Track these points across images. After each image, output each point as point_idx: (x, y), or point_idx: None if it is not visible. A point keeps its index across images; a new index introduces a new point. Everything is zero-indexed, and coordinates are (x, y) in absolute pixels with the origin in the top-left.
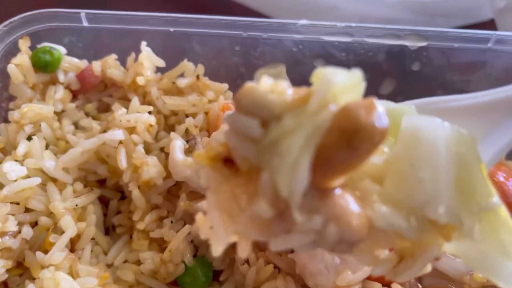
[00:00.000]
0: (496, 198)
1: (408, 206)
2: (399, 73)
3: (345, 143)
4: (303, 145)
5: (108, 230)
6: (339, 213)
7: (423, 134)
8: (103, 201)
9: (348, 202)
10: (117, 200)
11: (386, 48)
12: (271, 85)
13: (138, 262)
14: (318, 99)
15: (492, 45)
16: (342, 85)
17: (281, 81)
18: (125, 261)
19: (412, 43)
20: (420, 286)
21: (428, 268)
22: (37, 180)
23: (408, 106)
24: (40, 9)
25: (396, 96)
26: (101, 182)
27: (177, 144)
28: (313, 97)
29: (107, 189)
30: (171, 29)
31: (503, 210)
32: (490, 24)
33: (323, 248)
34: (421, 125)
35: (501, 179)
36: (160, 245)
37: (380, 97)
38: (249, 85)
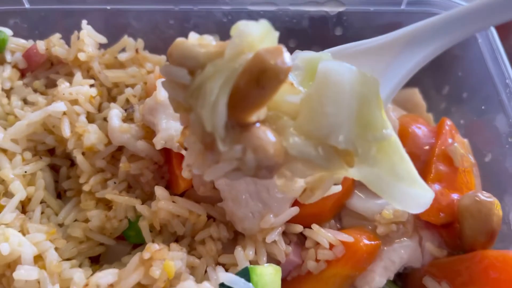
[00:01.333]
0: (389, 130)
1: (316, 137)
2: (324, 38)
3: (255, 82)
4: (221, 86)
5: (60, 194)
6: (256, 142)
7: (333, 76)
8: (55, 169)
9: (265, 133)
10: (66, 167)
11: (308, 14)
12: (198, 39)
13: (87, 221)
14: (232, 47)
15: (405, 7)
16: (256, 35)
17: (206, 36)
18: (75, 220)
19: (331, 9)
20: (339, 226)
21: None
22: None
23: (325, 54)
24: None
25: None
26: (51, 152)
27: (114, 113)
28: (229, 46)
29: (57, 158)
30: (108, 7)
31: (396, 140)
32: None
33: (247, 174)
34: (332, 69)
35: (416, 130)
36: (107, 204)
37: None
38: (179, 39)
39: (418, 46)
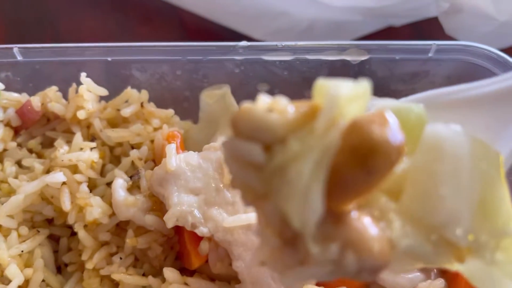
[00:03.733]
0: None
1: (427, 225)
2: None
3: (359, 164)
4: (314, 169)
5: (60, 268)
6: (357, 238)
7: (447, 147)
8: (54, 239)
9: (365, 226)
10: (67, 237)
11: (328, 63)
12: (269, 104)
13: None
14: (325, 117)
15: (433, 55)
16: (348, 98)
17: (280, 98)
18: None
19: (353, 58)
20: None
21: None
22: None
23: (414, 104)
24: None
25: None
26: (50, 220)
27: (118, 184)
28: (321, 116)
29: (56, 227)
30: (109, 59)
31: None
32: (435, 22)
33: (344, 276)
34: (446, 136)
35: None
36: (112, 281)
37: None
38: (245, 105)
39: None
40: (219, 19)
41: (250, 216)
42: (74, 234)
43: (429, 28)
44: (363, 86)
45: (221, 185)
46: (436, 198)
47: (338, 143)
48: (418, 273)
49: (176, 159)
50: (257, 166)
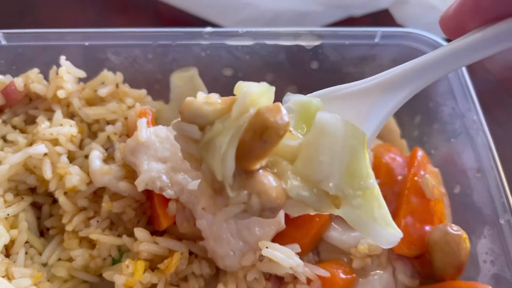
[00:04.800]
0: (372, 181)
1: (311, 181)
2: (301, 71)
3: (258, 136)
4: (229, 141)
5: (43, 232)
6: (260, 187)
7: (329, 128)
8: (37, 206)
9: (267, 178)
10: (48, 205)
11: (285, 48)
12: (205, 98)
13: (70, 260)
14: (238, 107)
15: (379, 40)
16: (257, 93)
17: (212, 95)
18: (59, 260)
19: (307, 43)
20: (317, 258)
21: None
22: None
23: (314, 98)
24: None
25: (302, 92)
26: (33, 189)
27: (94, 154)
28: (235, 106)
29: (38, 195)
30: (86, 43)
31: (377, 188)
32: (386, 13)
33: (253, 215)
34: (329, 121)
35: (389, 162)
36: (90, 242)
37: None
38: (188, 99)
39: (396, 90)
40: (191, 9)
41: None
42: (55, 202)
43: (385, 18)
44: (266, 86)
45: None
46: (317, 163)
47: (246, 124)
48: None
49: (146, 131)
50: (195, 140)
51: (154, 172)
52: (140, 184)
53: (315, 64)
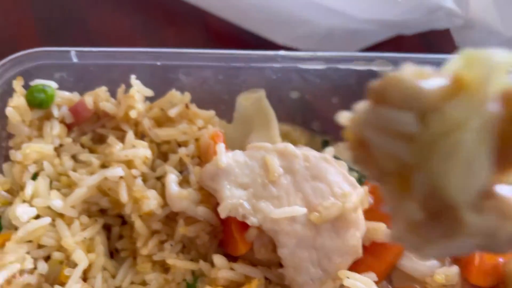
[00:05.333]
0: None
1: None
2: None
3: None
4: (477, 138)
5: (112, 253)
6: None
7: None
8: (105, 226)
9: None
10: (118, 226)
11: (356, 72)
12: (415, 72)
13: (144, 283)
14: (484, 85)
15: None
16: (503, 66)
17: (425, 67)
18: (132, 283)
19: (379, 68)
20: (391, 286)
21: None
22: (47, 220)
23: None
24: (25, 47)
25: None
26: (102, 210)
27: (171, 178)
28: (480, 83)
29: (108, 217)
30: (158, 63)
31: None
32: (443, 32)
33: (489, 250)
34: None
35: None
36: (163, 265)
37: None
38: (393, 74)
39: None
40: (243, 24)
41: (294, 209)
42: (124, 223)
43: (437, 38)
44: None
45: (267, 181)
46: None
47: (500, 111)
48: (435, 261)
49: (226, 157)
50: (407, 136)
51: (236, 198)
52: (223, 211)
53: None
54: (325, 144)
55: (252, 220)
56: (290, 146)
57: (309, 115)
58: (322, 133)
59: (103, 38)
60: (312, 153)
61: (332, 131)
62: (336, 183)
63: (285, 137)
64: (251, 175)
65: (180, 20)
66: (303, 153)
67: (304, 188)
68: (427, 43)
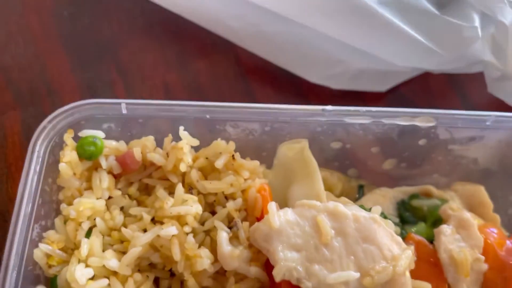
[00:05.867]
0: None
1: None
2: (406, 146)
3: None
4: None
5: None
6: None
7: None
8: (154, 280)
9: None
10: (167, 279)
11: (400, 126)
12: None
13: None
14: None
15: (490, 124)
16: None
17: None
18: None
19: (422, 124)
20: None
21: None
22: (105, 282)
23: None
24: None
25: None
26: (151, 264)
27: (223, 237)
28: None
29: (157, 270)
30: (208, 116)
31: None
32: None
33: None
34: None
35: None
36: None
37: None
38: None
39: None
40: (275, 61)
41: (348, 274)
42: (173, 275)
43: (463, 76)
44: None
45: (319, 243)
46: None
47: None
48: None
49: (278, 217)
50: None
51: (290, 261)
52: (278, 274)
53: (423, 141)
54: (360, 188)
55: (307, 285)
56: (340, 206)
57: (347, 162)
58: (358, 177)
59: (136, 71)
60: (362, 213)
61: (368, 177)
62: (386, 245)
63: (323, 182)
64: (303, 236)
65: (212, 52)
66: (354, 214)
67: (356, 251)
68: (453, 81)
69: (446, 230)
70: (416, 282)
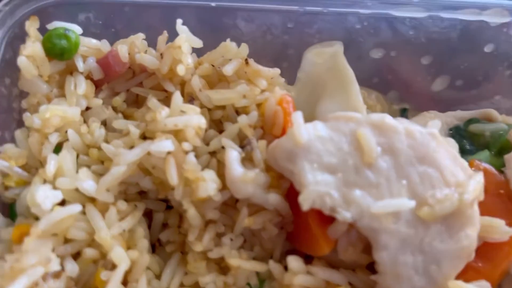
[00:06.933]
0: None
1: None
2: (468, 54)
3: None
4: None
5: (154, 246)
6: None
7: None
8: (146, 213)
9: None
10: (162, 212)
11: (462, 24)
12: None
13: (196, 286)
14: None
15: None
16: None
17: None
18: (181, 286)
19: (493, 19)
20: None
21: None
22: (77, 208)
23: None
24: None
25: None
26: (141, 192)
27: (233, 157)
28: None
29: (149, 200)
30: (213, 4)
31: None
32: None
33: None
34: None
35: None
36: (218, 264)
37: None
38: None
39: None
40: None
41: (401, 202)
42: (169, 207)
43: None
44: None
45: (361, 164)
46: None
47: None
48: None
49: (306, 130)
50: None
51: (322, 185)
52: (306, 201)
53: (490, 46)
54: (403, 112)
55: (345, 215)
56: (388, 118)
57: (389, 78)
58: (400, 100)
59: None
60: (416, 127)
61: (413, 100)
62: (448, 168)
63: None
64: (338, 155)
65: None
66: (406, 128)
67: (409, 174)
68: None
69: None
70: (485, 218)
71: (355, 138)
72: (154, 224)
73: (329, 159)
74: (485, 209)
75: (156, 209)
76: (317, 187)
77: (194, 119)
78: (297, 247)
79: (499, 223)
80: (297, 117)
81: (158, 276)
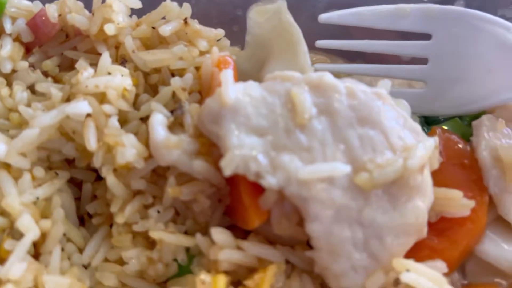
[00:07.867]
0: None
1: None
2: None
3: None
4: None
5: (83, 219)
6: None
7: None
8: (75, 183)
9: None
10: (91, 182)
11: None
12: None
13: (121, 261)
14: None
15: None
16: None
17: None
18: (105, 260)
19: None
20: (465, 282)
21: None
22: None
23: None
24: None
25: None
26: (70, 161)
27: (157, 120)
28: None
29: (77, 170)
30: None
31: None
32: None
33: None
34: None
35: None
36: (146, 238)
37: None
38: None
39: None
40: None
41: (332, 166)
42: (100, 178)
43: None
44: None
45: (293, 125)
46: None
47: None
48: None
49: (234, 89)
50: None
51: (247, 149)
52: (228, 165)
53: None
54: None
55: (270, 181)
56: (327, 76)
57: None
58: None
59: None
60: (360, 87)
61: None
62: (395, 130)
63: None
64: (270, 117)
65: None
66: (347, 87)
67: (348, 137)
68: None
69: (490, 120)
70: (441, 189)
71: (290, 98)
72: (83, 196)
73: (259, 121)
74: (446, 180)
75: (85, 179)
76: (242, 150)
77: (116, 80)
78: (235, 222)
79: (457, 194)
80: (226, 75)
81: (82, 251)
